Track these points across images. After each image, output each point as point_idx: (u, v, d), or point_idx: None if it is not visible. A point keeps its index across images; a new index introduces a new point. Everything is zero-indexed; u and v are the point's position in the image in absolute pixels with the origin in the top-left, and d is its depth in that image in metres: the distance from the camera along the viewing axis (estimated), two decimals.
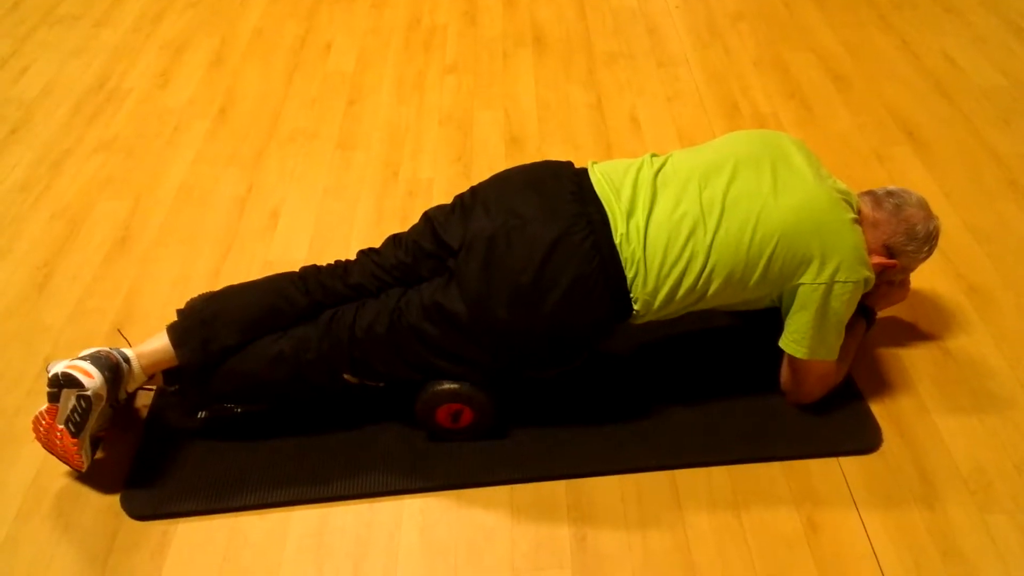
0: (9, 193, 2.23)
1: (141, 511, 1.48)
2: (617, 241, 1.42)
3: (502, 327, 1.42)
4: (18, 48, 2.86)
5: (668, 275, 1.42)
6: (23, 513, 1.50)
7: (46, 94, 2.62)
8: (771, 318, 1.56)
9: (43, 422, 1.45)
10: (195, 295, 1.66)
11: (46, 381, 1.45)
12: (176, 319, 1.54)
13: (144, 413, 1.66)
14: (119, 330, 1.78)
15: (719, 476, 1.52)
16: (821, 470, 1.52)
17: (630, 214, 1.44)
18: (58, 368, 1.45)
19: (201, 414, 1.62)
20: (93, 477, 1.54)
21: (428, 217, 1.55)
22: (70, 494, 1.52)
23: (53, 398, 1.44)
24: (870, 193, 1.57)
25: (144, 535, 1.46)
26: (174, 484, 1.52)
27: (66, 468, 1.55)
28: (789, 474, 1.52)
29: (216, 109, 2.53)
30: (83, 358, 1.46)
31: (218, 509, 1.49)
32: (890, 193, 1.55)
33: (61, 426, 1.43)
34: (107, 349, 1.49)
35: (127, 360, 1.50)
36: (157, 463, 1.55)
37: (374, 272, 1.53)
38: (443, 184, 2.20)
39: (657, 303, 1.44)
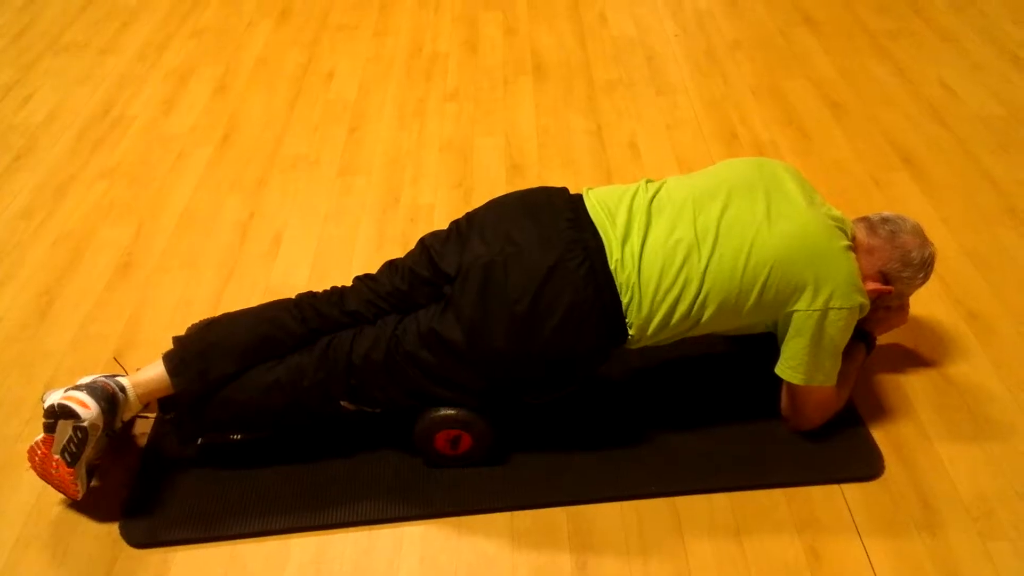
0: (12, 219, 2.25)
1: (140, 539, 1.48)
2: (612, 267, 1.43)
3: (499, 354, 1.42)
4: (23, 76, 2.89)
5: (663, 301, 1.43)
6: (23, 540, 1.49)
7: (50, 121, 2.65)
8: (771, 344, 1.57)
9: (39, 452, 1.44)
10: (196, 321, 1.66)
11: (42, 412, 1.45)
12: (172, 347, 1.54)
13: (141, 441, 1.65)
14: (115, 358, 1.79)
15: (720, 502, 1.51)
16: (823, 497, 1.52)
17: (625, 240, 1.45)
18: (54, 399, 1.45)
19: (199, 440, 1.62)
20: (92, 505, 1.54)
21: (424, 244, 1.55)
22: (70, 521, 1.52)
23: (49, 428, 1.43)
24: (865, 219, 1.57)
25: (143, 563, 1.45)
26: (173, 512, 1.51)
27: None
28: (791, 501, 1.51)
29: (219, 136, 2.55)
30: (79, 388, 1.46)
31: (217, 537, 1.48)
32: (885, 219, 1.55)
33: (57, 456, 1.43)
34: (103, 379, 1.49)
35: (123, 390, 1.50)
36: (156, 491, 1.55)
37: (370, 299, 1.53)
38: (444, 210, 2.21)
39: (652, 328, 1.45)
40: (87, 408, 1.43)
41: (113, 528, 1.50)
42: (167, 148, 2.51)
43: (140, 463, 1.60)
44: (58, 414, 1.42)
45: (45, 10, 3.32)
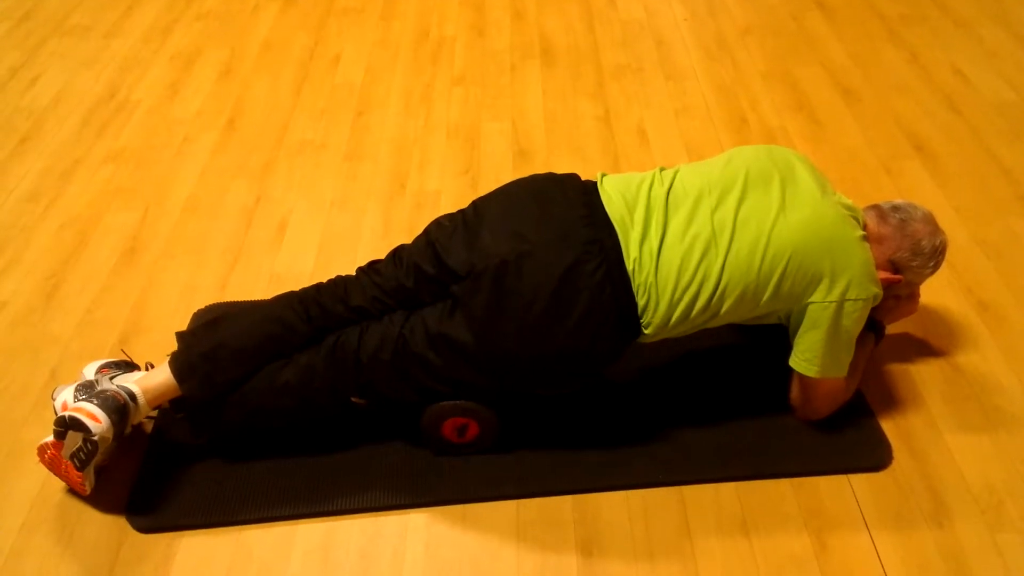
0: (18, 203, 2.24)
1: (146, 524, 1.48)
2: (630, 268, 1.40)
3: (510, 357, 1.41)
4: (29, 59, 2.88)
5: (681, 298, 1.41)
6: (28, 525, 1.49)
7: (56, 104, 2.64)
8: (779, 334, 1.56)
9: (48, 452, 1.44)
10: (201, 307, 1.66)
11: (53, 412, 1.45)
12: (177, 348, 1.52)
13: (147, 427, 1.65)
14: (122, 349, 1.78)
15: (727, 493, 1.51)
16: (830, 487, 1.51)
17: (643, 238, 1.42)
18: (64, 397, 1.44)
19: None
20: (98, 490, 1.53)
21: (429, 239, 1.50)
22: (75, 506, 1.52)
23: (59, 436, 1.42)
24: (876, 207, 1.56)
25: (148, 548, 1.45)
26: (179, 497, 1.51)
27: None
28: (798, 491, 1.50)
29: (225, 120, 2.54)
30: (90, 398, 1.44)
31: (223, 523, 1.48)
32: (896, 208, 1.54)
33: (67, 459, 1.43)
34: (114, 388, 1.47)
35: (133, 398, 1.48)
36: (162, 476, 1.55)
37: (375, 295, 1.50)
38: (450, 196, 2.20)
39: (671, 324, 1.43)
40: (98, 422, 1.41)
41: (119, 514, 1.50)
42: (173, 132, 2.50)
43: (146, 450, 1.60)
44: (68, 425, 1.41)
45: None
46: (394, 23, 3.01)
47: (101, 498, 1.53)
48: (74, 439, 1.42)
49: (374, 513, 1.50)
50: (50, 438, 1.43)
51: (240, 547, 1.45)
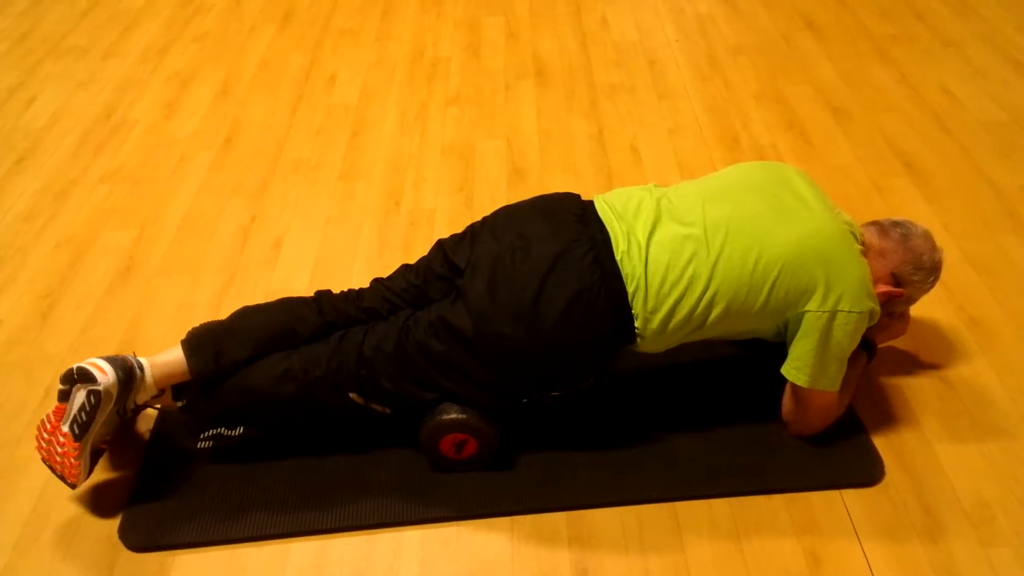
0: (14, 222, 2.25)
1: (139, 542, 1.48)
2: (619, 258, 1.44)
3: (506, 343, 1.43)
4: (26, 79, 2.90)
5: (668, 294, 1.43)
6: (22, 543, 1.49)
7: (53, 124, 2.65)
8: (774, 349, 1.56)
9: (47, 426, 1.46)
10: (197, 324, 1.66)
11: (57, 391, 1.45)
12: (189, 335, 1.56)
13: (146, 437, 1.65)
14: (134, 353, 1.77)
15: (720, 508, 1.51)
16: (823, 503, 1.51)
17: (631, 233, 1.46)
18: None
19: (201, 445, 1.62)
20: (92, 506, 1.54)
21: (440, 243, 1.59)
22: (69, 525, 1.52)
23: (63, 396, 1.45)
24: (876, 223, 1.58)
25: (142, 567, 1.45)
26: (173, 515, 1.51)
27: (66, 497, 1.55)
28: (791, 506, 1.51)
29: (221, 140, 2.55)
30: (98, 358, 1.48)
31: (216, 540, 1.48)
32: (896, 223, 1.56)
33: (65, 428, 1.43)
34: (124, 355, 1.51)
35: (141, 368, 1.51)
36: (156, 493, 1.55)
37: (385, 295, 1.57)
38: (445, 214, 2.21)
39: (657, 322, 1.45)
40: (104, 373, 1.44)
41: (113, 531, 1.50)
42: (169, 152, 2.51)
43: (140, 466, 1.60)
44: (75, 378, 1.44)
45: (48, 14, 3.33)
46: (389, 44, 3.04)
47: (94, 516, 1.53)
48: (77, 396, 1.43)
49: (368, 531, 1.50)
50: (52, 408, 1.45)
51: (233, 565, 1.45)
